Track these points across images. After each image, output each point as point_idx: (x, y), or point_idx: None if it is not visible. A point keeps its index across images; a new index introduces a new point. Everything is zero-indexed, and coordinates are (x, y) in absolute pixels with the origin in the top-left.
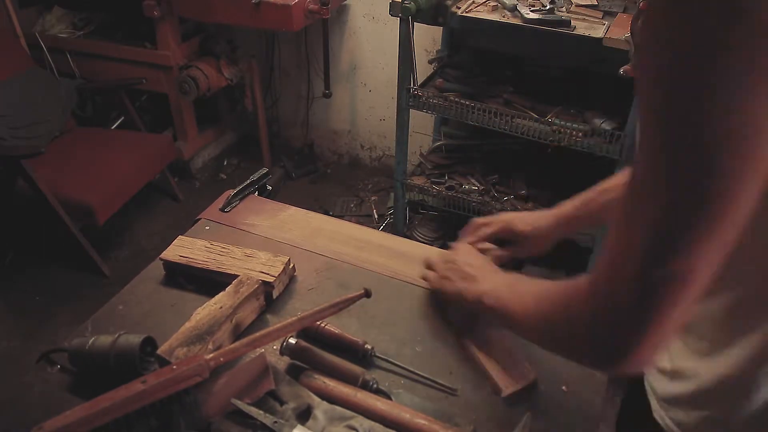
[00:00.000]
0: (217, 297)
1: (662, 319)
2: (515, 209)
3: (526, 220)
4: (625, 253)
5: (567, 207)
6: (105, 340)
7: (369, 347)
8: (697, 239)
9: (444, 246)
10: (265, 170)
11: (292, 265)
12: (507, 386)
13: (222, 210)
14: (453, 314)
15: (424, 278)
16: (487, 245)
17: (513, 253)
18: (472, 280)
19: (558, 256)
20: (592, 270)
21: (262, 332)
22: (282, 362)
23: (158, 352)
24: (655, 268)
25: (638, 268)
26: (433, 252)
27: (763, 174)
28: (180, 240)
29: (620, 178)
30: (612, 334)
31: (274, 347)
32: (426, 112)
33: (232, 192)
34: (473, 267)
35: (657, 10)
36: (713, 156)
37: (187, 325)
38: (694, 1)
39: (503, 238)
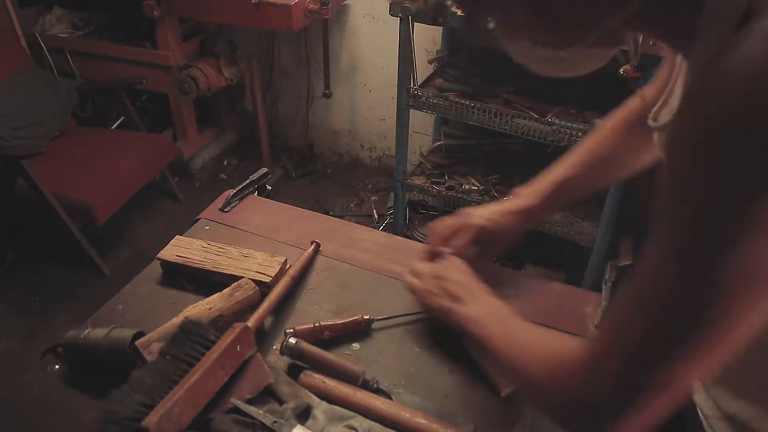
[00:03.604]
0: (211, 297)
1: (638, 417)
2: None
3: (495, 219)
4: (615, 350)
5: (532, 198)
6: (98, 333)
7: (367, 317)
8: (686, 356)
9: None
10: (265, 170)
11: (288, 265)
12: (507, 386)
13: (222, 210)
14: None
15: (410, 287)
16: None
17: (486, 252)
18: (459, 300)
19: (558, 256)
20: (586, 344)
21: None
22: (282, 362)
23: (136, 343)
24: (640, 374)
25: (624, 369)
26: (421, 260)
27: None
28: (177, 240)
29: (582, 150)
30: (589, 418)
31: (274, 347)
32: (426, 112)
33: (231, 192)
34: (461, 286)
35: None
36: (715, 290)
37: (174, 321)
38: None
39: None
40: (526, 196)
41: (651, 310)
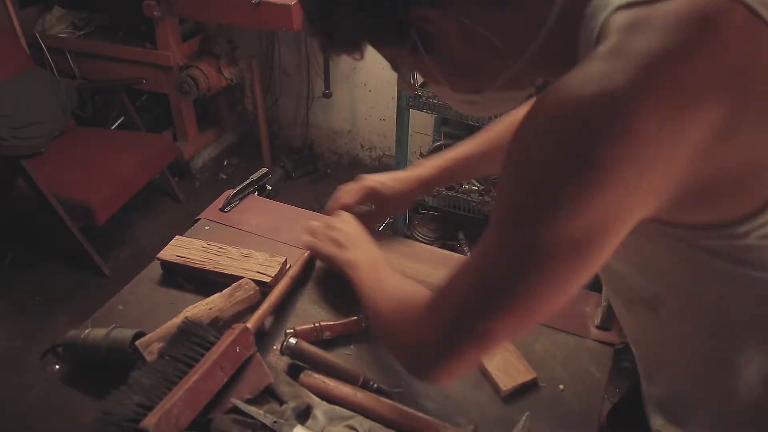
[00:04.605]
0: (211, 298)
1: (461, 359)
2: None
3: (388, 183)
4: (445, 303)
5: (430, 169)
6: (98, 333)
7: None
8: (501, 315)
9: (443, 246)
10: (265, 170)
11: (288, 265)
12: (506, 385)
13: (222, 210)
14: None
15: (304, 242)
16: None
17: (376, 214)
18: (343, 247)
19: None
20: (429, 295)
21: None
22: (282, 362)
23: (137, 343)
24: (461, 327)
25: (449, 321)
26: (321, 219)
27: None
28: (177, 240)
29: (496, 129)
30: (419, 361)
31: (274, 347)
32: (426, 112)
33: (231, 192)
34: (347, 235)
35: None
36: (524, 259)
37: (174, 320)
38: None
39: (368, 202)
40: (425, 166)
41: (474, 273)
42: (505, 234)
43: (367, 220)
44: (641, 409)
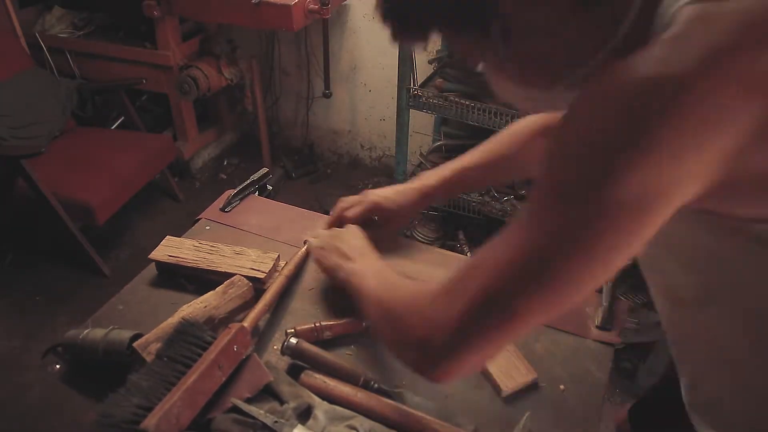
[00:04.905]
0: (205, 296)
1: (479, 347)
2: (515, 209)
3: (391, 197)
4: (471, 281)
5: (432, 181)
6: (97, 333)
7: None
8: (532, 299)
9: (443, 246)
10: (265, 170)
11: (284, 262)
12: (507, 386)
13: (222, 210)
14: None
15: (309, 248)
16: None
17: (384, 228)
18: (347, 258)
19: None
20: (450, 275)
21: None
22: (282, 362)
23: (134, 345)
24: (489, 308)
25: (476, 298)
26: (322, 230)
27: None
28: (168, 240)
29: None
30: (430, 355)
31: (275, 347)
32: (426, 112)
33: (232, 192)
34: (353, 247)
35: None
36: (562, 245)
37: (169, 320)
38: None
39: (370, 217)
40: (427, 178)
41: (509, 247)
42: (552, 204)
43: (372, 234)
44: (665, 409)
